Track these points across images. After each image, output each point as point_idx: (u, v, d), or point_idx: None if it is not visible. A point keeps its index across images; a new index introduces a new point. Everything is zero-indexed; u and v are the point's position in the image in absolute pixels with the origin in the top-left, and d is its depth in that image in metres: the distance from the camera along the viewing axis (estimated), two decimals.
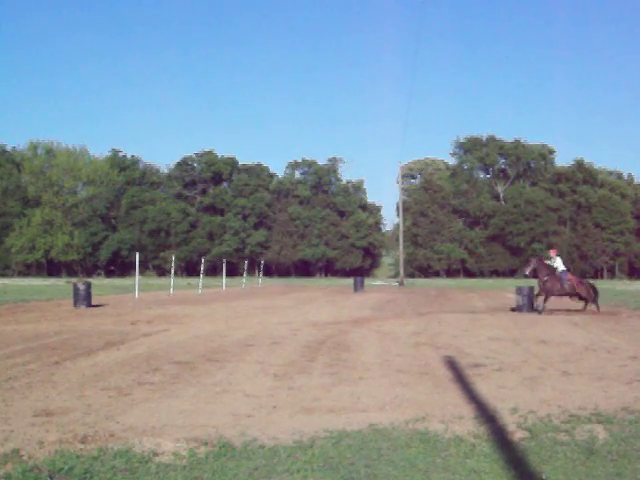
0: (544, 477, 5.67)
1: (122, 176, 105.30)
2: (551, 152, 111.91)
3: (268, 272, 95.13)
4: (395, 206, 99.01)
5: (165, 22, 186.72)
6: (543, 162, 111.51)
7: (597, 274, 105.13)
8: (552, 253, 26.25)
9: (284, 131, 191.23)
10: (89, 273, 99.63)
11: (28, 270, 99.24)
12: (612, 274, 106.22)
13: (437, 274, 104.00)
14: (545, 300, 24.17)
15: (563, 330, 17.53)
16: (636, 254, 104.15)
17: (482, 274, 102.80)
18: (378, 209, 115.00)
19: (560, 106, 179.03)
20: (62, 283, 56.22)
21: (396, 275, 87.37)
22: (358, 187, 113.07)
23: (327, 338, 15.21)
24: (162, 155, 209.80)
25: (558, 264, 25.06)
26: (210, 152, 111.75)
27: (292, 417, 7.61)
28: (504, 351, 13.21)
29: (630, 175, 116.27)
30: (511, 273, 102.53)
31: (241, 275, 62.01)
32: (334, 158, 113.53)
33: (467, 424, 7.30)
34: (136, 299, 30.33)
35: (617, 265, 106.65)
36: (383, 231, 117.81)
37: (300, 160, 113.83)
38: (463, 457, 6.21)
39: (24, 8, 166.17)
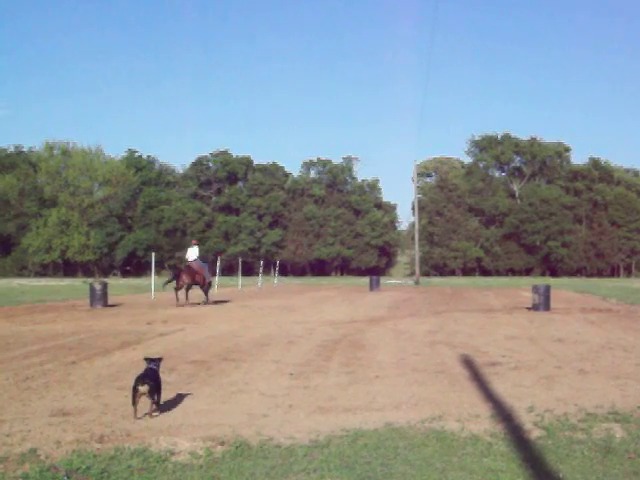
0: (561, 476, 5.64)
1: (138, 176, 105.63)
2: (567, 150, 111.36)
3: (284, 271, 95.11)
4: (410, 205, 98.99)
5: (180, 21, 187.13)
6: (559, 160, 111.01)
7: (613, 272, 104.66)
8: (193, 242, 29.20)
9: (299, 130, 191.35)
10: (105, 273, 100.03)
11: (45, 270, 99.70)
12: (629, 272, 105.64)
13: (453, 273, 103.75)
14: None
15: (579, 328, 17.45)
16: None
17: (498, 272, 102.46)
18: (393, 208, 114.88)
19: (576, 104, 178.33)
20: (78, 283, 56.44)
21: (412, 274, 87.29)
22: (373, 186, 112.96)
23: (343, 337, 15.21)
24: (178, 155, 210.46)
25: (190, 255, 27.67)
26: (225, 152, 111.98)
27: (308, 416, 7.61)
28: (520, 350, 13.17)
29: None
30: (527, 271, 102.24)
31: (257, 275, 62.03)
32: (349, 157, 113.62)
33: (483, 423, 7.29)
34: (152, 299, 30.42)
35: (634, 263, 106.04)
36: (398, 230, 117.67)
37: (315, 159, 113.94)
38: (480, 456, 6.19)
39: (38, 8, 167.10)
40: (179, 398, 8.52)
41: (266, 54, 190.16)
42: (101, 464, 5.87)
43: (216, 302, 27.72)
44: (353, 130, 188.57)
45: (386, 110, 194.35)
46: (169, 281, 27.35)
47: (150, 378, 7.70)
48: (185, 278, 25.95)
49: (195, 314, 21.77)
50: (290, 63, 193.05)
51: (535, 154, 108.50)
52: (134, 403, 7.54)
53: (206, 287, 27.41)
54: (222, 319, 20.05)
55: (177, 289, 25.99)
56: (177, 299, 25.63)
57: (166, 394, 8.74)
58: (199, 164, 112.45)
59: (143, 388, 7.57)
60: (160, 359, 8.22)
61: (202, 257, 27.76)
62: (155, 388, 7.68)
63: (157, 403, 7.73)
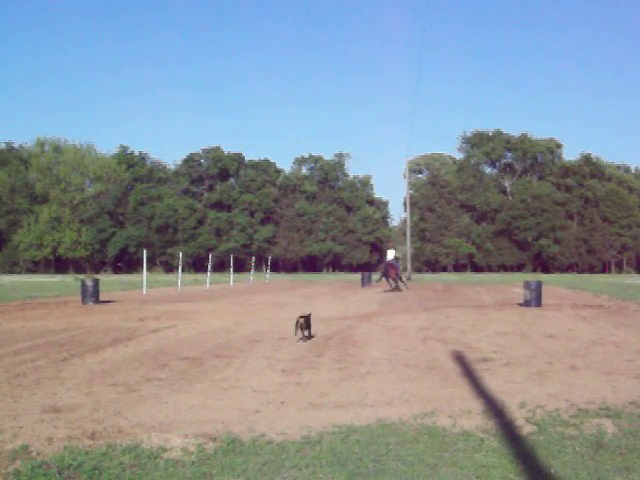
0: (552, 471, 5.66)
1: (129, 172, 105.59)
2: (558, 146, 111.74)
3: (275, 268, 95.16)
4: (402, 201, 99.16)
5: (171, 19, 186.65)
6: (550, 156, 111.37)
7: (605, 268, 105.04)
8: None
9: (291, 126, 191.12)
10: (97, 269, 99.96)
11: (36, 267, 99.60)
12: (620, 268, 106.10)
13: (444, 269, 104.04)
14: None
15: (571, 324, 17.48)
16: None
17: (489, 269, 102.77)
18: (385, 204, 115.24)
19: (567, 100, 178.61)
20: (70, 280, 56.33)
21: (403, 270, 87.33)
22: (365, 182, 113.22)
23: (334, 333, 15.21)
24: (169, 151, 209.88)
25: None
26: (217, 148, 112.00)
27: (300, 412, 7.61)
28: (512, 345, 13.19)
29: (637, 169, 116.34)
30: (518, 268, 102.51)
31: (248, 271, 62.02)
32: (341, 153, 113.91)
33: (475, 419, 7.29)
34: (144, 295, 30.37)
35: (625, 259, 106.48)
36: (390, 226, 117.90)
37: (307, 155, 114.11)
38: (471, 452, 6.20)
39: (28, 4, 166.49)
40: (171, 394, 8.51)
41: (259, 52, 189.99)
42: (93, 461, 5.85)
43: (393, 290, 36.16)
44: (345, 127, 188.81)
45: (378, 107, 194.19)
46: (381, 277, 38.38)
47: (306, 317, 13.57)
48: (392, 272, 36.68)
49: (187, 310, 21.75)
50: (282, 59, 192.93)
51: (526, 150, 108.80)
52: (295, 329, 13.51)
53: (397, 280, 37.25)
54: (214, 315, 20.02)
55: (387, 280, 36.84)
56: (389, 285, 36.48)
57: (158, 390, 8.73)
58: (191, 161, 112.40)
59: (301, 320, 13.35)
60: (310, 314, 14.13)
61: (396, 258, 38.99)
62: (307, 324, 13.51)
63: (309, 334, 13.70)
